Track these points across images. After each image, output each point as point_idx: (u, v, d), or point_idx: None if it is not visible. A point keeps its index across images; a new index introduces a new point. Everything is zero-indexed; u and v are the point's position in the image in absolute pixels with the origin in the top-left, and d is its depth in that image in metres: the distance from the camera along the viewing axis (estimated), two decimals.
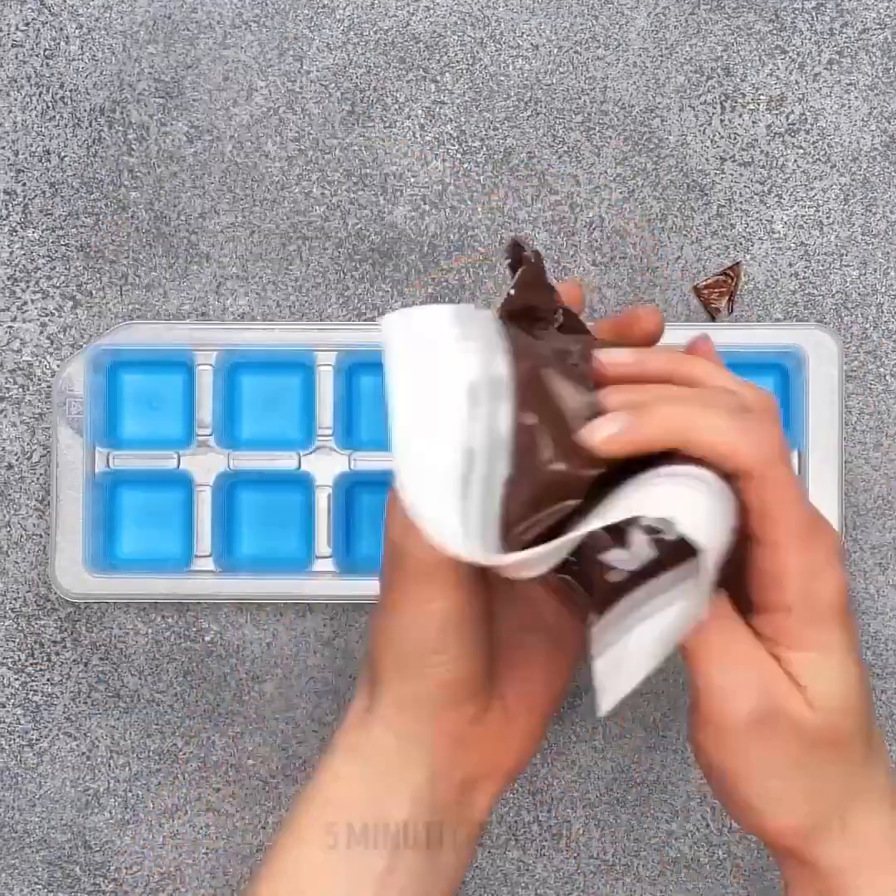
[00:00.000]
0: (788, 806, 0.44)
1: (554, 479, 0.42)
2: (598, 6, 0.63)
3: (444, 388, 0.42)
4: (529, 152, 0.63)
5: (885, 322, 0.63)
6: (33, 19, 0.63)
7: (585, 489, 0.42)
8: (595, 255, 0.63)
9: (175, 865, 0.64)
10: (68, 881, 0.63)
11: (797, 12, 0.63)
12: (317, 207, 0.63)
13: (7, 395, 0.63)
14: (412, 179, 0.63)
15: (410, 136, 0.63)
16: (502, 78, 0.63)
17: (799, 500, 0.43)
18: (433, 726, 0.47)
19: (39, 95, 0.63)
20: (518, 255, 0.46)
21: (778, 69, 0.63)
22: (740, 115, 0.63)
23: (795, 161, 0.63)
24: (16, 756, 0.63)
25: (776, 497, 0.42)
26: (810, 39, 0.63)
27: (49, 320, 0.63)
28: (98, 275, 0.63)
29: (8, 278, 0.63)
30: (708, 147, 0.63)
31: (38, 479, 0.63)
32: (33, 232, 0.63)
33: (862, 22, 0.63)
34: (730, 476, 0.42)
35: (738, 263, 0.63)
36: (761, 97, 0.63)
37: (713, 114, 0.63)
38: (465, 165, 0.63)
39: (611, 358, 0.44)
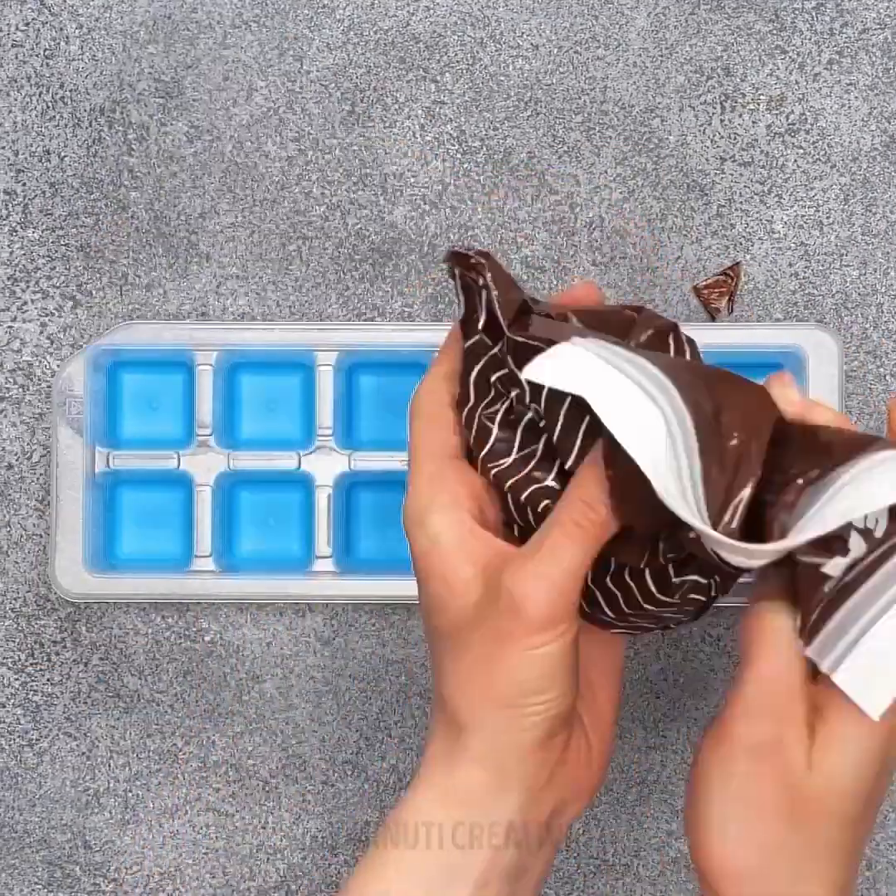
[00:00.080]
0: (743, 855, 0.44)
1: (736, 452, 0.43)
2: (598, 6, 0.63)
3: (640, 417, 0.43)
4: (529, 152, 0.63)
5: (885, 322, 0.63)
6: (33, 19, 0.63)
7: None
8: (595, 255, 0.63)
9: (175, 865, 0.64)
10: (68, 881, 0.63)
11: (797, 12, 0.63)
12: (317, 207, 0.63)
13: (7, 395, 0.63)
14: (412, 179, 0.63)
15: (410, 136, 0.63)
16: (502, 78, 0.63)
17: None
18: (528, 763, 0.46)
19: (39, 95, 0.63)
20: (465, 263, 0.47)
21: (778, 69, 0.63)
22: (740, 115, 0.63)
23: (795, 161, 0.63)
24: (16, 756, 0.63)
25: None
26: (810, 39, 0.63)
27: (49, 320, 0.63)
28: (98, 275, 0.63)
29: (8, 278, 0.63)
30: (708, 147, 0.63)
31: (38, 479, 0.63)
32: (33, 232, 0.63)
33: (862, 22, 0.63)
34: None
35: (738, 263, 0.63)
36: (761, 97, 0.63)
37: (713, 114, 0.63)
38: (465, 165, 0.63)
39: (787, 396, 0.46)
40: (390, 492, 0.63)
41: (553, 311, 0.48)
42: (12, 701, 0.63)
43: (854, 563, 0.43)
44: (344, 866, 0.63)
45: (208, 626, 0.63)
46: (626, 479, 0.43)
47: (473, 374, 0.48)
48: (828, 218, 0.63)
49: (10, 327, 0.63)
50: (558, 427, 0.46)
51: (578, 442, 0.45)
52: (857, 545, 0.43)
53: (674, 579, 0.46)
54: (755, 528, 0.44)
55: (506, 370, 0.47)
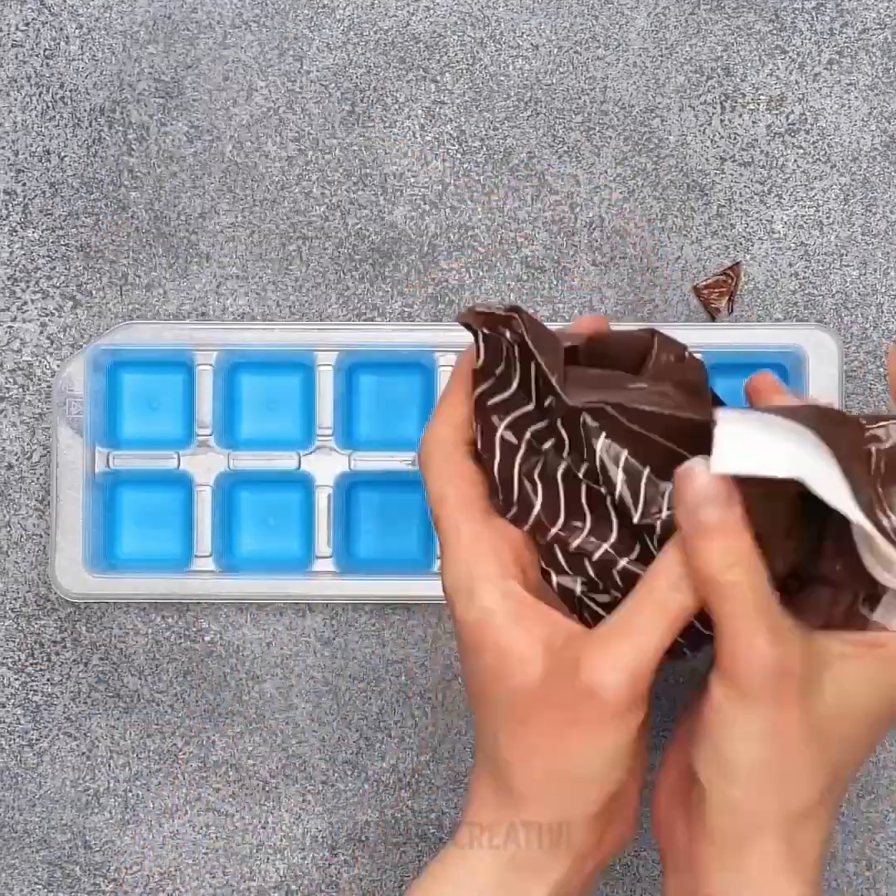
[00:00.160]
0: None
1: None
2: (598, 6, 0.63)
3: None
4: (529, 152, 0.63)
5: (885, 322, 0.63)
6: (33, 19, 0.63)
7: None
8: (595, 255, 0.63)
9: (175, 865, 0.64)
10: (68, 881, 0.63)
11: (797, 12, 0.63)
12: (317, 207, 0.63)
13: (7, 395, 0.63)
14: (412, 179, 0.63)
15: (410, 136, 0.63)
16: (502, 78, 0.63)
17: None
18: (584, 831, 0.46)
19: (39, 95, 0.63)
20: (492, 322, 0.47)
21: (778, 69, 0.63)
22: (740, 115, 0.63)
23: (795, 161, 0.63)
24: (16, 756, 0.63)
25: None
26: (810, 39, 0.63)
27: (49, 320, 0.63)
28: (98, 275, 0.63)
29: (8, 278, 0.63)
30: (708, 147, 0.63)
31: (38, 479, 0.63)
32: (33, 232, 0.63)
33: (862, 22, 0.63)
34: None
35: (738, 263, 0.63)
36: (761, 97, 0.63)
37: (713, 114, 0.63)
38: (465, 165, 0.63)
39: None
40: (390, 492, 0.63)
41: (568, 341, 0.48)
42: (12, 701, 0.63)
43: None
44: (344, 866, 0.63)
45: (208, 626, 0.63)
46: (771, 534, 0.44)
47: (500, 428, 0.47)
48: (828, 218, 0.63)
49: (10, 327, 0.63)
50: (619, 484, 0.45)
51: (642, 494, 0.45)
52: None
53: None
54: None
55: (543, 424, 0.47)
